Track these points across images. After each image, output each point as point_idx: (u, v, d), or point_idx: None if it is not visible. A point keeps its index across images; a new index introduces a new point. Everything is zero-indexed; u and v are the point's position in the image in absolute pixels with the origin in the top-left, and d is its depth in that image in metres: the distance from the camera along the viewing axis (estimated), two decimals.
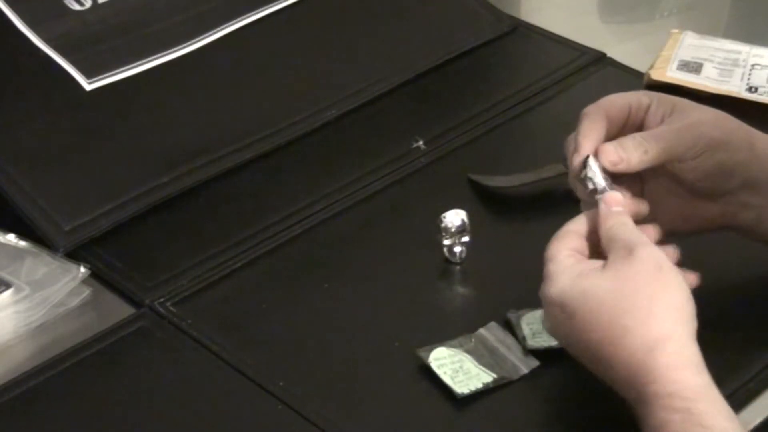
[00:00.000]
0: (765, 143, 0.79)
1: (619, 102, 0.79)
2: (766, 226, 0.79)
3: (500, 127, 1.00)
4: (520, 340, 0.78)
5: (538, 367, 0.76)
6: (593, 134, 0.76)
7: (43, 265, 0.84)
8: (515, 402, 0.75)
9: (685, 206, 0.79)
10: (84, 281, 0.83)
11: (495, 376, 0.76)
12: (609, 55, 1.09)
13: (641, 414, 0.67)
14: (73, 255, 0.86)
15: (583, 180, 0.75)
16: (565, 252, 0.72)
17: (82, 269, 0.84)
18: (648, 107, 0.78)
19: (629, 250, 0.70)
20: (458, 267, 0.85)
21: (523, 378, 0.76)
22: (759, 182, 0.78)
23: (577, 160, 0.76)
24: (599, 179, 0.75)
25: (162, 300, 0.83)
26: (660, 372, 0.66)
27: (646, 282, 0.69)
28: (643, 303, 0.68)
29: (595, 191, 0.75)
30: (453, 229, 0.84)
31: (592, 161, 0.75)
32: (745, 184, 0.78)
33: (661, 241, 0.74)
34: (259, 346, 0.79)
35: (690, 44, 1.07)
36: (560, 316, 0.70)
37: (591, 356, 0.69)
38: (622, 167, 0.75)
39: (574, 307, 0.69)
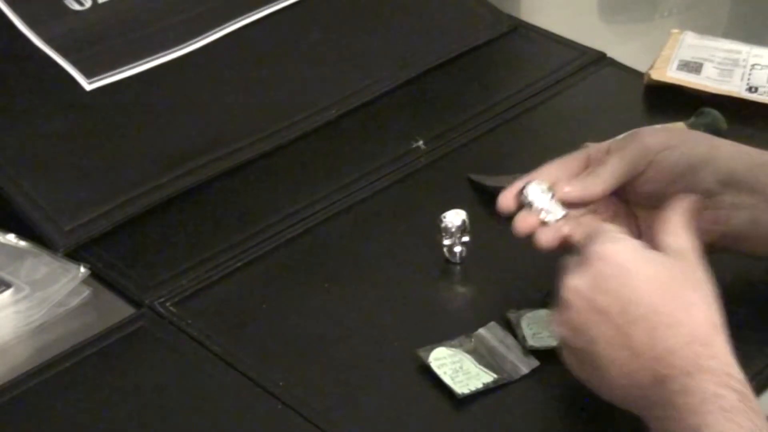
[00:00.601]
0: (727, 143, 0.80)
1: (576, 153, 0.82)
2: (763, 228, 0.79)
3: (500, 127, 1.00)
4: (520, 340, 0.78)
5: (538, 367, 0.76)
6: (534, 174, 0.80)
7: (43, 265, 0.84)
8: (515, 402, 0.75)
9: None
10: (84, 281, 0.83)
11: (495, 376, 0.76)
12: (609, 55, 1.09)
13: (679, 387, 0.66)
14: (73, 255, 0.86)
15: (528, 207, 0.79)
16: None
17: (82, 269, 0.84)
18: (608, 147, 0.81)
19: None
20: (458, 267, 0.85)
21: (523, 378, 0.76)
22: (737, 179, 0.79)
23: (507, 196, 0.80)
24: (540, 203, 0.79)
25: (162, 300, 0.83)
26: (720, 349, 0.67)
27: (696, 270, 0.71)
28: (704, 286, 0.70)
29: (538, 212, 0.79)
30: (453, 229, 0.84)
31: (529, 188, 0.79)
32: (723, 183, 0.79)
33: None
34: (259, 346, 0.79)
35: (690, 44, 1.07)
36: (612, 274, 0.69)
37: (628, 321, 0.68)
38: (575, 195, 0.78)
39: (638, 267, 0.70)
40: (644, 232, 0.81)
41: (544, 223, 0.78)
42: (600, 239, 0.72)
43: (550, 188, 0.79)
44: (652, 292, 0.69)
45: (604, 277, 0.70)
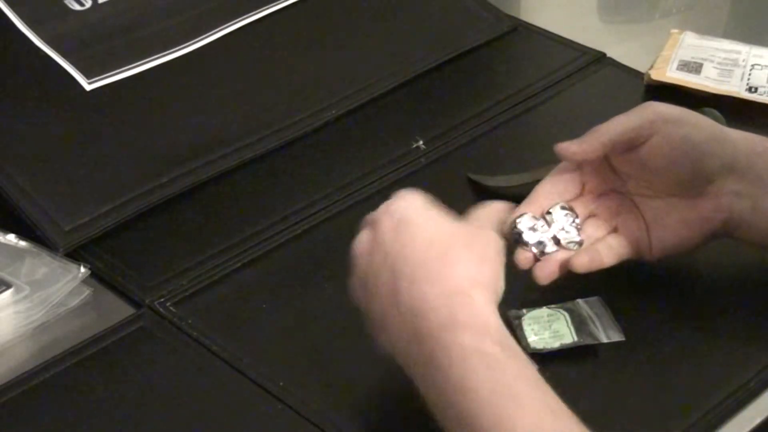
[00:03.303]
0: (736, 132, 0.81)
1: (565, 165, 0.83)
2: (763, 217, 0.79)
3: (500, 127, 1.00)
4: (521, 341, 0.77)
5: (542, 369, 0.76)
6: (524, 206, 0.80)
7: (43, 265, 0.84)
8: None
9: (681, 213, 0.80)
10: (84, 281, 0.83)
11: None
12: (609, 55, 1.09)
13: (437, 344, 0.65)
14: (73, 255, 0.86)
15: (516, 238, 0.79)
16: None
17: (82, 269, 0.84)
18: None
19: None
20: None
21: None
22: (740, 167, 0.79)
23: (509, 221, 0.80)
24: (530, 236, 0.79)
25: (162, 300, 0.83)
26: (479, 302, 0.67)
27: (483, 234, 0.71)
28: (483, 248, 0.70)
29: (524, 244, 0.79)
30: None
31: (520, 222, 0.79)
32: (726, 170, 0.79)
33: None
34: (259, 346, 0.79)
35: (690, 44, 1.07)
36: (392, 227, 0.70)
37: (396, 276, 0.68)
38: (573, 150, 0.79)
39: (418, 222, 0.70)
40: (651, 224, 0.81)
41: (539, 258, 0.79)
42: (394, 196, 0.72)
43: (543, 216, 0.80)
44: (423, 247, 0.68)
45: (384, 230, 0.70)
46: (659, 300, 0.82)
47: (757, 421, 0.74)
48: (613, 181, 0.82)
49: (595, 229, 0.82)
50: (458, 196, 0.91)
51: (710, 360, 0.78)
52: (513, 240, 0.79)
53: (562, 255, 0.79)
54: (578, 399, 0.73)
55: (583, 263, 0.79)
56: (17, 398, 0.76)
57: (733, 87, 1.02)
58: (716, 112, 0.96)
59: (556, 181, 0.82)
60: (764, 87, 1.01)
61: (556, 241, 0.79)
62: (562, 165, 0.83)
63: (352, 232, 0.89)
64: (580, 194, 0.83)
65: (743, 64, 1.04)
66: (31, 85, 0.95)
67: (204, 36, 1.01)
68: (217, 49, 1.01)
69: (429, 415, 0.74)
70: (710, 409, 0.74)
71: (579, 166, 0.82)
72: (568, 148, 0.80)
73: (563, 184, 0.82)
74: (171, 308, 0.82)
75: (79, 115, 0.94)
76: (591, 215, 0.82)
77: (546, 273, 0.79)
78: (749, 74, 1.03)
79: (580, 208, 0.82)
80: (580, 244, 0.80)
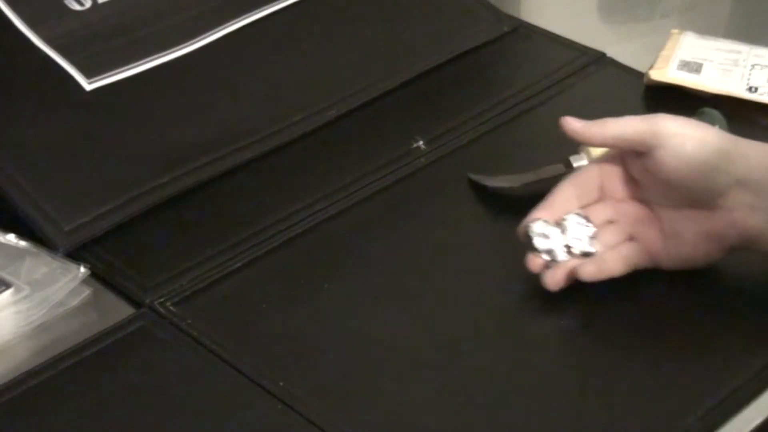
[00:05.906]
0: (748, 143, 0.80)
1: (589, 169, 0.84)
2: None
3: (500, 127, 1.00)
4: None
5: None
6: (540, 211, 0.82)
7: (43, 265, 0.84)
8: (521, 395, 0.75)
9: (697, 225, 0.80)
10: (84, 281, 0.83)
11: None
12: (609, 55, 1.09)
13: None
14: (73, 255, 0.86)
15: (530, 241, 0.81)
16: None
17: (82, 269, 0.84)
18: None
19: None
20: (457, 267, 0.85)
21: (529, 372, 0.76)
22: (753, 181, 0.78)
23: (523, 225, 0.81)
24: (541, 243, 0.80)
25: (162, 300, 0.83)
26: None
27: None
28: None
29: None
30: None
31: (533, 227, 0.80)
32: (739, 184, 0.78)
33: None
34: (259, 346, 0.79)
35: (690, 44, 1.07)
36: None
37: None
38: (575, 127, 0.81)
39: None
40: (668, 235, 0.81)
41: (549, 265, 0.80)
42: None
43: (558, 223, 0.81)
44: None
45: None
46: (659, 300, 0.82)
47: (757, 421, 0.74)
48: (633, 189, 0.82)
49: (612, 236, 0.82)
50: (458, 196, 0.91)
51: (710, 360, 0.78)
52: (526, 243, 0.80)
53: (572, 263, 0.80)
54: (577, 399, 0.73)
55: (589, 272, 0.79)
56: (17, 398, 0.76)
57: (733, 87, 1.02)
58: (716, 113, 0.96)
59: (575, 184, 0.82)
60: (764, 87, 1.01)
61: (568, 249, 0.80)
62: (583, 168, 0.83)
63: (352, 232, 0.89)
64: (599, 199, 0.83)
65: (743, 64, 1.04)
66: (31, 85, 0.95)
67: (204, 36, 1.01)
68: (217, 49, 1.01)
69: (427, 415, 0.75)
70: (710, 409, 0.74)
71: (599, 170, 0.82)
72: (572, 123, 0.81)
73: (582, 188, 0.82)
74: (171, 308, 0.82)
75: (79, 115, 0.94)
76: (609, 221, 0.82)
77: (554, 280, 0.80)
78: (749, 74, 1.03)
79: (599, 213, 0.82)
80: (591, 254, 0.80)
